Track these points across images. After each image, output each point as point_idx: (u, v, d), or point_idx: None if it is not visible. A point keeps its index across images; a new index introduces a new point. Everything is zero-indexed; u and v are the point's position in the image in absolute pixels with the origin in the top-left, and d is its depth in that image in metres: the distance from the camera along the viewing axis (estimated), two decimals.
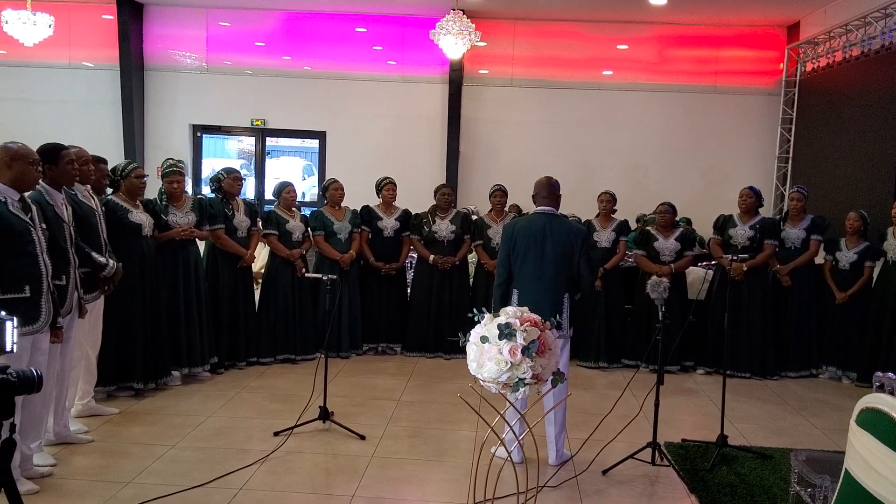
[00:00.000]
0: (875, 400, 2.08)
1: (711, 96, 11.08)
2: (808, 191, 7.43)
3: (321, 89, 11.34)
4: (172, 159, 6.13)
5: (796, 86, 10.63)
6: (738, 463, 4.75)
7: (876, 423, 2.04)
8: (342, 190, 7.22)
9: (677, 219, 7.38)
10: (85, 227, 4.60)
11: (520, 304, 3.79)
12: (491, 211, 7.46)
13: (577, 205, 8.54)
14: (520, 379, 3.03)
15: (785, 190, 10.52)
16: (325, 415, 5.13)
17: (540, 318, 3.18)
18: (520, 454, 4.50)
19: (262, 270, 7.20)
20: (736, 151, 11.06)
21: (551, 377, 3.17)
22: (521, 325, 3.06)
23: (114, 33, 11.01)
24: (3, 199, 3.79)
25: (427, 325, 7.29)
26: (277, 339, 6.85)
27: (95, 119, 11.20)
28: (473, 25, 8.81)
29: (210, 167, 11.53)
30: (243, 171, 8.83)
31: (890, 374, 3.15)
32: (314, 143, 11.99)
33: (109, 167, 5.57)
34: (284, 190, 6.97)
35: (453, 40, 8.73)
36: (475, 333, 3.14)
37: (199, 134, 11.80)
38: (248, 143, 12.28)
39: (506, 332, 3.02)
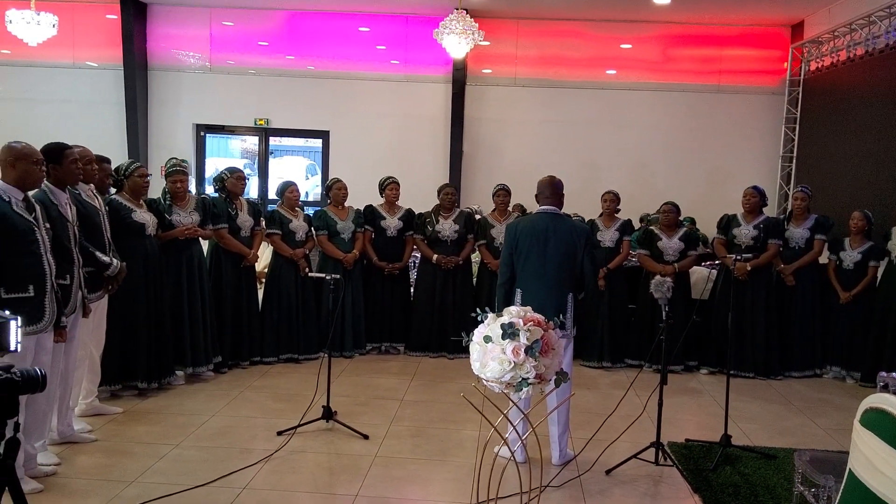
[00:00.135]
0: (879, 400, 2.08)
1: (715, 96, 11.06)
2: (811, 190, 7.41)
3: (324, 89, 11.35)
4: (176, 159, 6.14)
5: (800, 85, 10.60)
6: (741, 463, 4.74)
7: (880, 423, 2.03)
8: (345, 189, 7.22)
9: (681, 218, 7.37)
10: (89, 227, 4.61)
11: (523, 304, 3.79)
12: (494, 210, 7.46)
13: (581, 204, 8.53)
14: (523, 379, 3.03)
15: (789, 189, 10.49)
16: (328, 414, 5.14)
17: (543, 317, 3.18)
18: (523, 454, 4.50)
19: (266, 270, 7.21)
20: (740, 151, 11.05)
21: (554, 377, 3.17)
22: (525, 324, 3.05)
23: (117, 33, 11.03)
24: (7, 199, 3.80)
25: (430, 325, 7.29)
26: (281, 339, 6.85)
27: (99, 119, 11.21)
28: (477, 25, 8.82)
29: (213, 167, 11.54)
30: (247, 171, 8.82)
31: (894, 374, 3.14)
32: (317, 143, 11.99)
33: (113, 167, 5.59)
34: (288, 189, 6.98)
35: (457, 40, 8.73)
36: (478, 333, 3.14)
37: (202, 133, 11.82)
38: (252, 142, 12.29)
39: (509, 331, 3.02)
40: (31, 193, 3.99)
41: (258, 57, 11.39)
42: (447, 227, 7.27)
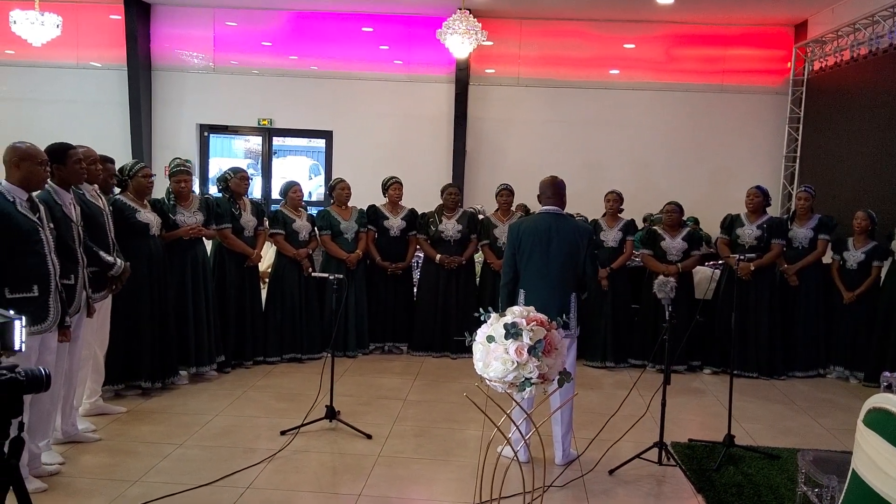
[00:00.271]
0: (882, 400, 2.07)
1: (719, 95, 11.05)
2: (815, 190, 7.40)
3: (328, 89, 11.36)
4: (180, 158, 6.15)
5: (804, 85, 10.59)
6: (745, 463, 4.74)
7: (883, 423, 2.03)
8: (349, 189, 7.23)
9: (684, 218, 7.36)
10: (93, 227, 4.62)
11: (526, 304, 3.79)
12: (497, 210, 7.46)
13: (584, 204, 8.53)
14: (526, 378, 3.03)
15: (792, 189, 10.48)
16: (331, 414, 5.14)
17: (546, 317, 3.18)
18: (526, 454, 4.50)
19: (269, 270, 7.22)
20: (743, 151, 11.03)
21: (558, 377, 3.17)
22: (528, 324, 3.06)
23: (121, 33, 11.05)
24: (12, 199, 3.81)
25: (433, 325, 7.29)
26: (284, 339, 6.86)
27: (103, 119, 11.23)
28: (480, 25, 8.82)
29: (217, 167, 11.55)
30: (250, 171, 8.83)
31: None
32: (321, 143, 12.00)
33: (117, 167, 5.60)
34: (291, 189, 6.98)
35: (460, 40, 8.74)
36: (481, 333, 3.15)
37: (206, 133, 11.83)
38: (255, 142, 12.31)
39: (512, 331, 3.02)
40: (35, 193, 4.00)
41: (261, 57, 11.41)
42: (450, 226, 7.27)
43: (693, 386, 6.68)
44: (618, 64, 11.21)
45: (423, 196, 8.10)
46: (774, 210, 9.71)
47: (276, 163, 12.29)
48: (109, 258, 4.72)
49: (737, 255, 5.61)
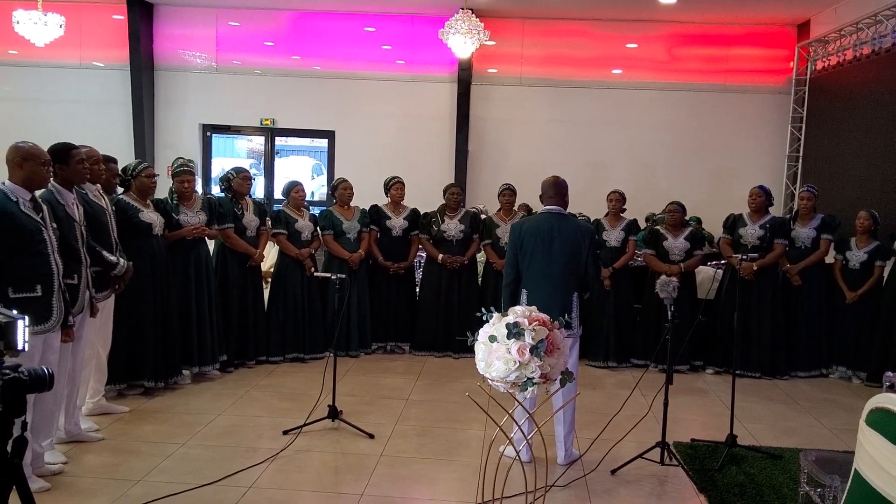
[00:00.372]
0: (885, 400, 2.07)
1: (721, 95, 11.04)
2: (818, 190, 7.39)
3: (330, 89, 11.36)
4: (183, 159, 6.16)
5: (806, 84, 10.58)
6: (747, 463, 4.74)
7: (886, 423, 2.03)
8: (351, 189, 7.23)
9: (687, 218, 7.36)
10: (95, 227, 4.63)
11: (528, 304, 3.79)
12: (500, 210, 7.46)
13: (587, 204, 8.53)
14: (528, 378, 3.03)
15: (795, 189, 10.47)
16: (334, 413, 5.15)
17: (548, 317, 3.18)
18: (528, 453, 4.50)
19: (272, 269, 7.22)
20: (746, 150, 11.02)
21: (560, 376, 3.17)
22: (530, 324, 3.06)
23: (124, 33, 11.06)
24: (15, 199, 3.82)
25: (436, 325, 7.29)
26: (287, 338, 6.87)
27: (106, 119, 11.25)
28: (482, 24, 8.81)
29: (220, 167, 11.56)
30: (253, 171, 8.85)
31: None
32: (323, 143, 12.01)
33: (120, 167, 5.61)
34: (293, 189, 6.99)
35: (462, 39, 8.74)
36: (484, 333, 3.15)
37: (208, 133, 11.84)
38: (258, 142, 12.32)
39: (514, 331, 3.02)
40: (38, 193, 4.01)
41: (264, 57, 11.42)
42: (452, 226, 7.27)
43: (695, 386, 6.67)
44: (620, 63, 11.20)
45: (425, 196, 8.10)
46: (777, 210, 9.68)
47: (279, 163, 12.30)
48: (112, 258, 4.73)
49: (739, 255, 5.61)
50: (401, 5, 10.83)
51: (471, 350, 3.24)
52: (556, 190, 4.79)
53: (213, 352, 6.21)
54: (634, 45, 11.15)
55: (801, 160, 10.63)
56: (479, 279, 7.55)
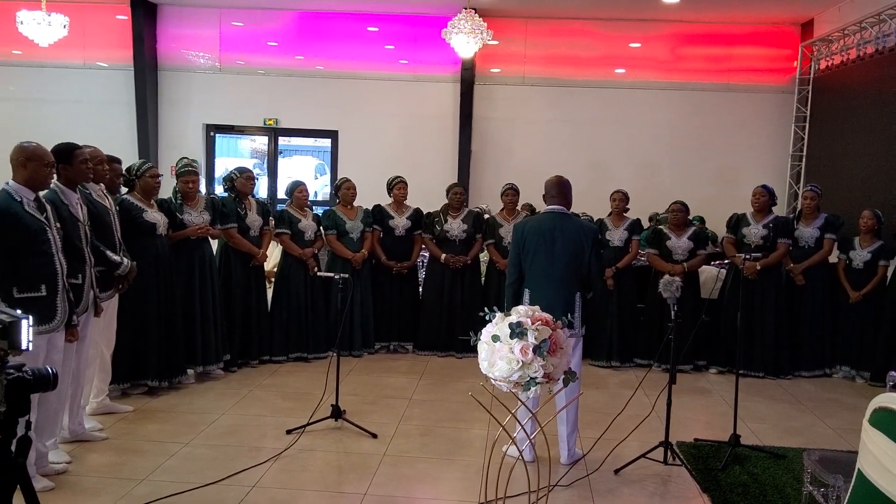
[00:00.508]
0: (888, 399, 2.07)
1: (725, 94, 11.03)
2: (821, 189, 7.39)
3: (333, 89, 11.36)
4: (187, 159, 6.16)
5: (810, 83, 10.55)
6: (750, 462, 4.73)
7: (889, 422, 2.03)
8: (354, 189, 7.24)
9: (690, 217, 7.35)
10: (99, 226, 4.64)
11: (531, 304, 3.79)
12: (503, 210, 7.47)
13: (590, 204, 8.52)
14: (531, 378, 3.03)
15: (798, 188, 10.45)
16: (337, 413, 5.15)
17: (551, 317, 3.18)
18: (531, 453, 4.50)
19: (275, 269, 7.23)
20: (749, 150, 11.00)
21: (563, 376, 3.17)
22: (533, 324, 3.06)
23: (128, 33, 11.07)
24: (19, 199, 3.83)
25: (439, 324, 7.30)
26: (290, 338, 6.88)
27: (110, 119, 11.26)
28: (485, 24, 8.80)
29: (223, 166, 11.58)
30: (256, 171, 8.85)
31: None
32: (326, 143, 12.01)
33: (124, 167, 5.62)
34: (297, 189, 7.00)
35: (465, 39, 8.73)
36: (486, 332, 3.15)
37: (212, 133, 11.85)
38: (261, 142, 12.32)
39: (517, 331, 3.02)
40: (41, 193, 4.02)
41: (267, 57, 11.42)
42: (455, 226, 7.27)
43: (699, 385, 6.67)
44: (623, 63, 11.18)
45: (428, 196, 8.10)
46: (780, 209, 9.66)
47: (282, 162, 12.31)
48: (116, 258, 4.74)
49: (742, 255, 5.60)
50: (404, 5, 10.83)
51: (474, 350, 3.24)
52: (559, 189, 4.79)
53: (217, 351, 6.22)
54: (637, 45, 11.14)
55: (804, 159, 10.61)
56: (482, 279, 7.56)
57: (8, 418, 2.33)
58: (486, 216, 7.72)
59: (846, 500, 2.25)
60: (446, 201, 7.41)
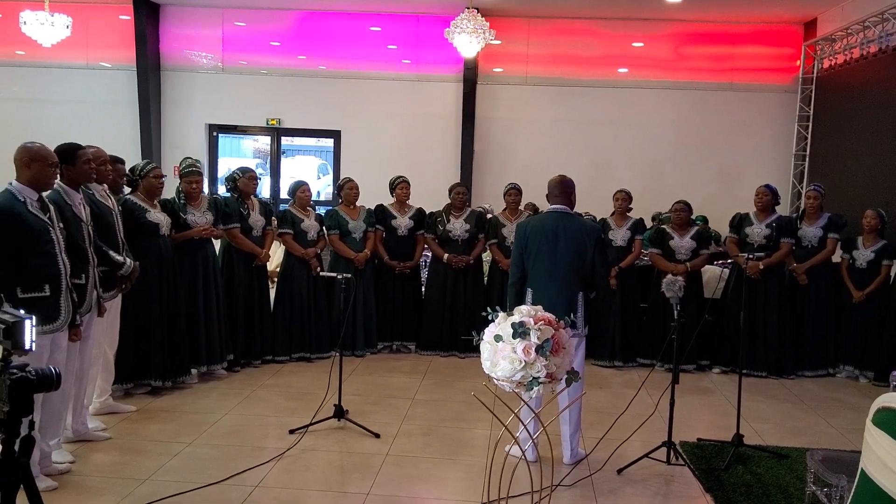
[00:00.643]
0: (891, 399, 2.07)
1: (727, 94, 11.01)
2: (824, 189, 7.38)
3: (336, 88, 11.36)
4: (191, 159, 6.18)
5: (813, 83, 10.54)
6: (753, 462, 4.73)
7: (892, 422, 2.03)
8: (357, 189, 7.24)
9: (693, 217, 7.35)
10: (102, 227, 4.64)
11: (534, 303, 3.79)
12: (505, 210, 7.46)
13: (593, 203, 8.51)
14: (534, 378, 3.03)
15: (802, 188, 10.44)
16: (339, 413, 5.15)
17: (554, 316, 3.18)
18: (534, 453, 4.50)
19: (278, 269, 7.24)
20: (752, 149, 10.99)
21: (565, 376, 3.17)
22: (535, 323, 3.06)
23: (130, 34, 11.08)
24: (23, 199, 3.83)
25: (441, 324, 7.30)
26: (293, 338, 6.88)
27: (113, 119, 11.27)
28: (488, 24, 8.81)
29: (226, 167, 11.59)
30: (259, 171, 8.85)
31: None
32: (329, 143, 12.02)
33: (127, 167, 5.63)
34: (299, 189, 7.00)
35: (468, 39, 8.74)
36: (489, 332, 3.15)
37: (214, 133, 11.86)
38: (264, 142, 12.33)
39: (520, 330, 3.02)
40: (45, 194, 4.02)
41: (270, 57, 11.43)
42: (458, 226, 7.27)
43: (702, 385, 6.66)
44: (626, 62, 11.18)
45: (430, 195, 8.10)
46: (783, 209, 9.65)
47: (285, 162, 12.32)
48: (119, 258, 4.75)
49: (746, 254, 5.60)
50: (406, 5, 10.83)
51: (476, 349, 3.24)
52: (563, 189, 4.78)
53: (221, 351, 6.23)
54: (640, 44, 11.12)
55: (807, 159, 10.59)
56: (485, 279, 7.56)
57: (11, 418, 2.34)
58: (489, 216, 7.72)
59: (849, 500, 2.25)
60: (449, 201, 7.41)
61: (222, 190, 9.86)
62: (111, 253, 4.67)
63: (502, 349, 3.05)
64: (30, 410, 2.37)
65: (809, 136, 10.57)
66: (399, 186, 7.37)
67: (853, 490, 2.21)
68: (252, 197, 6.67)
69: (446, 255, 7.23)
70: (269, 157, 12.13)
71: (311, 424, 5.02)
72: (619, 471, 4.57)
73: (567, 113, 11.17)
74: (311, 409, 5.22)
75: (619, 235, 7.18)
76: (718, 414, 5.87)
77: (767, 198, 6.94)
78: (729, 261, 7.45)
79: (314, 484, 4.27)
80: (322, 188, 12.86)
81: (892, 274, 6.88)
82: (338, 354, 5.34)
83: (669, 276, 4.83)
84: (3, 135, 9.73)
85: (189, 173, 6.01)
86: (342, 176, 8.30)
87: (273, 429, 5.13)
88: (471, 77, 10.96)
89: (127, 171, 5.60)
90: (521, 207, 7.69)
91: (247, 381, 6.22)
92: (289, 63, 11.42)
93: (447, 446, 4.94)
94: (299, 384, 6.22)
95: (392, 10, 11.05)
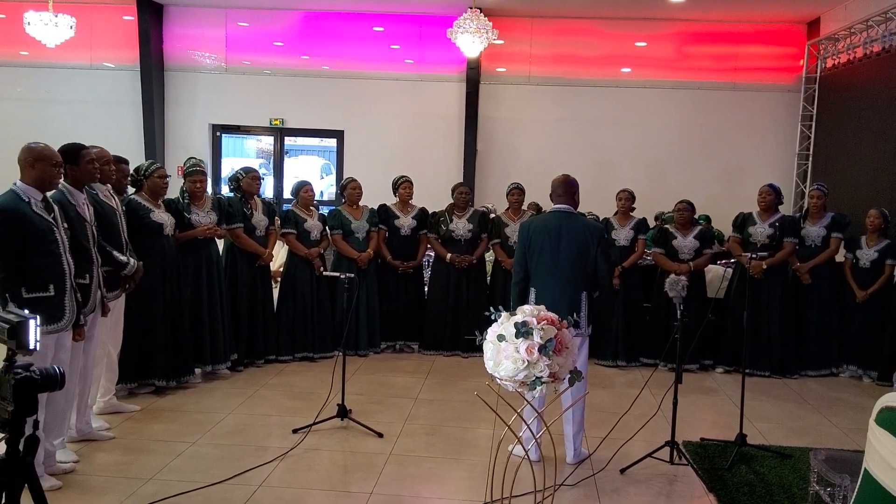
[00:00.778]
0: (895, 399, 2.06)
1: (731, 93, 11.01)
2: (828, 188, 7.36)
3: (339, 88, 11.38)
4: (195, 159, 6.18)
5: (817, 82, 10.53)
6: (756, 462, 4.73)
7: (895, 422, 2.02)
8: (360, 189, 7.24)
9: (696, 217, 7.35)
10: (106, 227, 4.65)
11: (537, 303, 3.79)
12: (508, 209, 7.46)
13: (596, 203, 8.51)
14: (537, 377, 3.03)
15: (805, 187, 10.43)
16: (343, 412, 5.16)
17: (557, 316, 3.18)
18: (537, 452, 4.50)
19: (281, 269, 7.25)
20: (755, 149, 10.98)
21: (568, 376, 3.17)
22: (538, 323, 3.06)
23: (134, 34, 11.11)
24: (27, 199, 3.85)
25: (444, 324, 7.30)
26: (296, 338, 6.89)
27: (117, 119, 11.30)
28: (491, 23, 8.81)
29: (229, 166, 11.60)
30: (262, 171, 8.87)
31: None
32: (332, 143, 12.03)
33: (131, 167, 5.64)
34: (302, 189, 7.01)
35: (471, 38, 8.74)
36: (492, 332, 3.15)
37: (218, 133, 11.88)
38: (267, 142, 12.35)
39: (522, 330, 3.02)
40: (49, 194, 4.04)
41: (273, 57, 11.44)
42: (461, 226, 7.28)
43: (705, 385, 6.66)
44: (629, 62, 11.17)
45: (433, 195, 8.11)
46: (787, 208, 9.64)
47: (288, 162, 12.33)
48: (123, 258, 4.76)
49: (749, 254, 5.59)
50: (409, 5, 10.83)
51: (479, 349, 3.25)
52: (566, 188, 4.78)
53: (224, 351, 6.24)
54: (643, 44, 11.12)
55: (811, 158, 10.58)
56: (488, 278, 7.56)
57: (16, 417, 2.34)
58: (492, 215, 7.71)
59: (852, 500, 2.24)
60: (452, 201, 7.42)
61: (226, 190, 9.87)
62: (115, 253, 4.68)
63: (505, 349, 3.05)
64: (34, 410, 2.38)
65: (813, 136, 10.56)
66: (402, 186, 7.37)
67: (856, 490, 2.20)
68: (255, 197, 6.67)
69: (449, 255, 7.23)
70: (272, 157, 12.15)
71: (314, 424, 5.02)
72: (623, 470, 4.57)
73: (570, 112, 11.17)
74: (315, 408, 5.23)
75: (622, 235, 7.18)
76: (722, 413, 5.87)
77: (771, 197, 6.93)
78: (732, 260, 7.44)
79: (317, 483, 4.28)
80: (325, 188, 12.87)
81: None
82: (341, 354, 5.34)
83: (672, 275, 4.83)
84: (6, 135, 9.77)
85: (193, 172, 6.02)
86: (345, 176, 8.30)
87: (276, 428, 5.14)
88: (474, 77, 10.96)
89: (131, 172, 5.61)
90: (525, 207, 7.69)
91: (250, 381, 6.23)
92: (292, 63, 11.44)
93: (450, 446, 4.94)
94: (302, 384, 6.23)
95: (395, 10, 11.06)
